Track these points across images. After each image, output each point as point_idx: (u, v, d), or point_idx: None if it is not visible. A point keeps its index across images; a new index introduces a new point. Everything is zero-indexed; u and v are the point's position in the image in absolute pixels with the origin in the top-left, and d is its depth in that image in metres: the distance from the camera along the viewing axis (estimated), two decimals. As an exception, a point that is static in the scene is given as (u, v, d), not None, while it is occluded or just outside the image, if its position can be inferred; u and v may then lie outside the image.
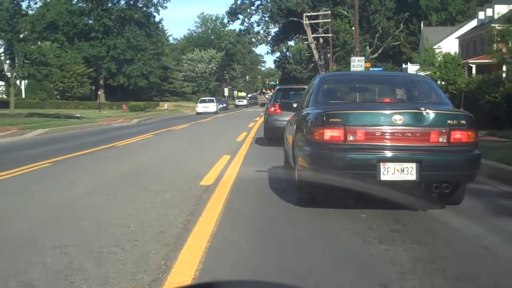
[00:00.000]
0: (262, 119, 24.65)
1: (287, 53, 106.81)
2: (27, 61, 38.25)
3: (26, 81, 72.71)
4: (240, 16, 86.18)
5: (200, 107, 61.55)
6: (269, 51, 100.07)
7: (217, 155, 14.44)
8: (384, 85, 9.97)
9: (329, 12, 69.06)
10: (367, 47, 74.42)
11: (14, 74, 38.88)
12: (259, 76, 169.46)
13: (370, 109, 7.40)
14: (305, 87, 12.89)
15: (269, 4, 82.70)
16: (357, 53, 41.06)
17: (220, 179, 10.21)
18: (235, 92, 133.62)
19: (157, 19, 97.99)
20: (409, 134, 6.87)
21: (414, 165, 6.82)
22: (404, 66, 73.68)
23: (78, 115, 44.18)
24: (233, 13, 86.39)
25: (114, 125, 36.38)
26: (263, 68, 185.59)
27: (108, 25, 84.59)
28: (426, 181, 7.07)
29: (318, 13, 71.59)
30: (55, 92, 76.92)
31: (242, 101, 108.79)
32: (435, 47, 54.45)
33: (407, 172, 6.82)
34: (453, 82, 40.59)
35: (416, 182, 7.00)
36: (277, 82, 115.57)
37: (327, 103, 8.25)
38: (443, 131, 6.88)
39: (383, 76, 11.62)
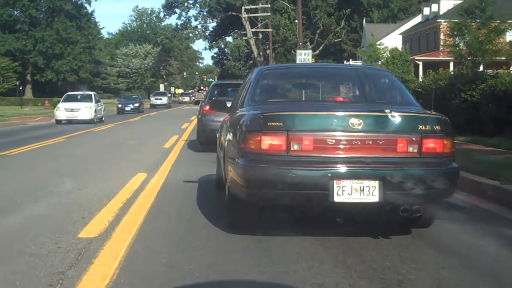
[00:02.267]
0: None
1: (226, 49, 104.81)
2: None
3: None
4: (177, 10, 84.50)
5: (62, 111, 33.03)
6: (207, 46, 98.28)
7: (129, 172, 10.78)
8: (335, 80, 8.16)
9: (269, 5, 66.54)
10: (308, 43, 72.40)
11: None
12: (197, 73, 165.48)
13: (320, 109, 6.12)
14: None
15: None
16: (301, 47, 38.08)
17: (117, 223, 6.56)
18: (172, 89, 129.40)
19: (89, 11, 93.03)
20: (371, 143, 5.61)
21: (376, 183, 5.51)
22: (346, 62, 71.79)
23: (-10, 112, 39.80)
24: (169, 7, 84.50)
25: (30, 124, 32.26)
26: (201, 65, 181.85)
27: (35, 17, 79.55)
28: (391, 203, 5.65)
29: (258, 6, 69.02)
30: (-24, 87, 71.89)
31: (160, 99, 74.06)
32: (377, 43, 52.95)
33: (368, 192, 5.51)
34: (403, 80, 38.32)
35: (379, 204, 5.59)
36: (216, 79, 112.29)
37: (265, 102, 6.88)
38: (414, 139, 5.66)
39: (332, 69, 9.55)
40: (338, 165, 5.53)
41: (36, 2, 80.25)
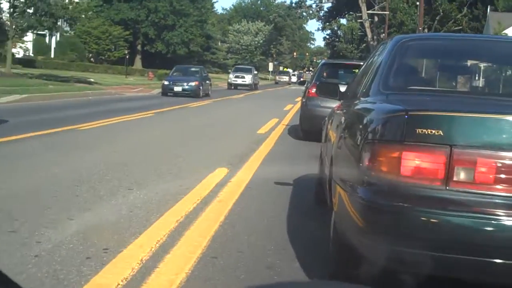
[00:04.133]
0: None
1: (339, 31, 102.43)
2: (29, 11, 32.73)
3: (56, 40, 68.62)
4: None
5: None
6: (320, 27, 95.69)
7: (206, 166, 8.57)
8: None
9: (389, -14, 63.65)
10: (426, 30, 68.72)
11: (13, 26, 33.32)
12: (307, 54, 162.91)
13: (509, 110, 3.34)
14: (362, 63, 7.48)
15: (324, -23, 78.48)
16: (420, 32, 35.27)
17: (154, 266, 4.15)
18: (280, 68, 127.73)
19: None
20: None
21: None
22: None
23: (92, 79, 38.61)
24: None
25: (126, 95, 30.82)
26: (312, 46, 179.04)
27: (149, -13, 79.54)
28: None
29: (376, -13, 66.31)
30: (89, 54, 72.33)
31: (242, 76, 55.04)
32: (502, 32, 49.10)
33: None
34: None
35: None
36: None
37: (406, 90, 4.17)
38: None
39: None
40: None
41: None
